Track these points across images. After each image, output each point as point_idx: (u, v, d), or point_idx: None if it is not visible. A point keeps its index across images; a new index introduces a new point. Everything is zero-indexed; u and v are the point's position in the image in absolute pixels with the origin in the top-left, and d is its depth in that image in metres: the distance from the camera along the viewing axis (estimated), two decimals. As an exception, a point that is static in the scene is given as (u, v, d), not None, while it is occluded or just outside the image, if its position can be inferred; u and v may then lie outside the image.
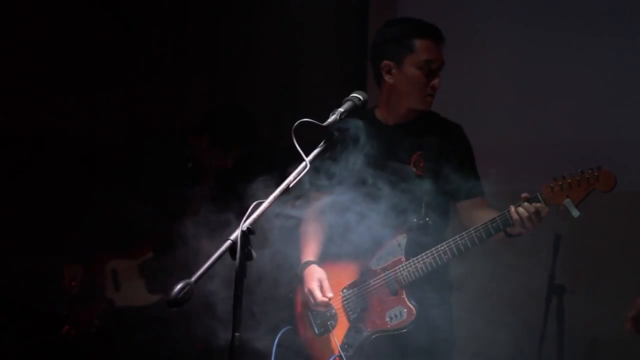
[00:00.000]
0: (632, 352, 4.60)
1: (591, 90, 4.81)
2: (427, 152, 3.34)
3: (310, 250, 3.47)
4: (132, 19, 5.82)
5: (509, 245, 4.64)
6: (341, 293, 3.36)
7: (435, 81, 3.32)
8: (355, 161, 3.28)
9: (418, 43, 3.32)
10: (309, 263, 3.42)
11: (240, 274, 2.38)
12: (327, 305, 3.33)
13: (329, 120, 2.86)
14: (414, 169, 3.34)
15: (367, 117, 3.39)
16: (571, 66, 4.85)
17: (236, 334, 2.38)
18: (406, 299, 3.22)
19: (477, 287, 4.63)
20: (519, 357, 4.72)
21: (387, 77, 3.34)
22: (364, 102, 3.02)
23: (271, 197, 2.56)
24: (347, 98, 3.00)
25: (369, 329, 3.27)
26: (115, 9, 5.75)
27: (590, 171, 3.01)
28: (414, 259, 3.22)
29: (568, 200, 3.00)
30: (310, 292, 3.33)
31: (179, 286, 2.32)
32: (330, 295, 3.31)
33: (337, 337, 3.31)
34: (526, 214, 3.03)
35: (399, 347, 3.27)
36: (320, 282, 3.33)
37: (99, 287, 4.65)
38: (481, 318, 4.71)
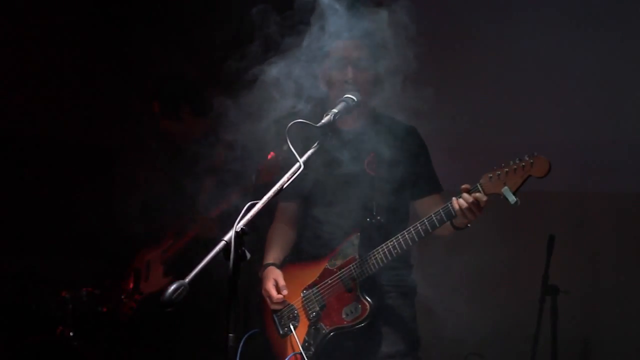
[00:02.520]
0: (625, 352, 4.62)
1: (591, 90, 4.81)
2: (379, 153, 3.38)
3: (271, 254, 3.59)
4: (128, 21, 5.83)
5: (503, 246, 4.68)
6: (301, 294, 3.45)
7: (348, 75, 3.36)
8: (313, 167, 3.32)
9: (331, 49, 3.37)
10: (267, 265, 3.53)
11: (234, 274, 2.38)
12: (283, 303, 3.43)
13: (323, 121, 2.89)
14: (368, 170, 3.40)
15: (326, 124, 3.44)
16: (571, 66, 4.84)
17: (230, 334, 2.39)
18: (360, 295, 3.29)
19: (470, 287, 4.66)
20: (512, 357, 4.73)
21: (324, 87, 3.39)
22: (358, 103, 3.06)
23: (265, 198, 2.57)
24: (340, 99, 3.04)
25: (327, 327, 3.35)
26: (112, 12, 5.77)
27: (526, 158, 2.98)
28: (365, 255, 3.29)
29: (505, 188, 2.98)
30: (267, 291, 3.44)
31: (172, 287, 2.33)
32: (285, 292, 3.41)
33: (299, 336, 3.39)
34: (465, 204, 3.05)
35: (358, 343, 3.33)
36: (275, 282, 3.43)
37: (136, 279, 4.74)
38: (475, 319, 4.73)
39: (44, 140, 5.55)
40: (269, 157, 3.75)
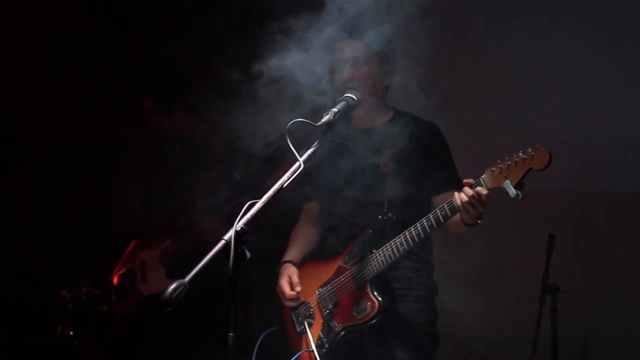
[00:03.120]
0: (625, 351, 4.62)
1: (591, 90, 4.81)
2: (394, 151, 3.38)
3: (290, 252, 3.63)
4: (129, 21, 5.83)
5: (502, 245, 4.68)
6: (317, 291, 3.46)
7: (344, 75, 3.38)
8: (331, 166, 3.42)
9: (335, 50, 3.41)
10: (284, 262, 3.57)
11: (234, 274, 2.38)
12: (296, 299, 3.45)
13: (323, 120, 2.89)
14: (383, 167, 3.40)
15: (344, 123, 3.48)
16: (572, 66, 4.85)
17: (230, 333, 2.38)
18: (370, 293, 3.28)
19: (471, 287, 4.65)
20: (513, 356, 4.73)
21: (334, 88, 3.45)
22: (358, 102, 3.06)
23: (265, 197, 2.57)
24: (340, 98, 3.05)
25: (339, 325, 3.35)
26: (111, 11, 5.76)
27: (528, 151, 2.93)
28: (375, 252, 3.28)
29: (507, 181, 2.93)
30: (280, 288, 3.48)
31: (172, 286, 2.33)
32: (298, 289, 3.43)
33: (314, 334, 3.41)
34: (466, 198, 3.01)
35: (370, 342, 3.33)
36: (289, 278, 3.46)
37: (132, 279, 4.71)
38: (475, 318, 4.72)
39: (43, 139, 5.55)
40: (284, 162, 3.75)
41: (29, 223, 5.34)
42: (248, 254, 2.43)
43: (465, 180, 3.04)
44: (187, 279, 2.36)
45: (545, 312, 4.39)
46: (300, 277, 3.48)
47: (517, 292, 4.77)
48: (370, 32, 3.39)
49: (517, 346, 4.65)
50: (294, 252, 3.62)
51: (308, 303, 3.47)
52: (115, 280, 4.72)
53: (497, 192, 2.97)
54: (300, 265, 3.57)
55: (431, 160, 3.37)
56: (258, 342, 3.19)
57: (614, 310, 4.68)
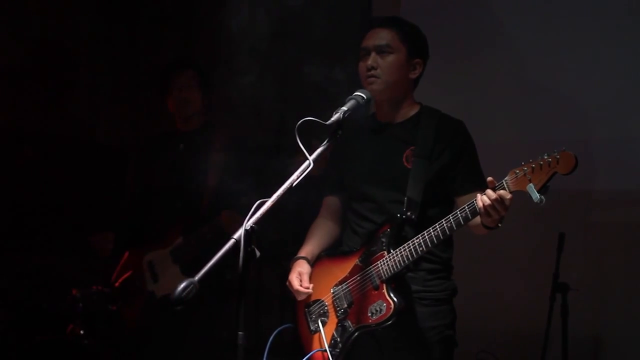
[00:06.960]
0: (635, 350, 4.61)
1: (592, 89, 4.80)
2: (417, 148, 3.31)
3: (305, 248, 3.53)
4: (135, 20, 5.85)
5: (513, 244, 4.67)
6: (331, 290, 3.38)
7: (368, 62, 3.33)
8: (352, 160, 3.39)
9: (364, 38, 3.39)
10: (297, 258, 3.48)
11: (244, 272, 2.39)
12: (303, 294, 3.37)
13: (333, 118, 2.88)
14: (405, 164, 3.33)
15: (368, 118, 3.47)
16: (573, 66, 4.84)
17: (240, 332, 2.39)
18: (386, 293, 3.18)
19: (481, 285, 4.65)
20: (523, 354, 4.73)
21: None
22: (367, 101, 3.04)
23: (274, 196, 2.57)
24: (350, 97, 3.03)
25: (354, 325, 3.26)
26: (118, 10, 5.78)
27: (554, 154, 2.85)
28: (393, 252, 3.20)
29: (530, 185, 2.84)
30: (289, 282, 3.39)
31: (182, 285, 2.34)
32: (306, 285, 3.35)
33: (328, 333, 3.32)
34: (488, 201, 2.92)
35: (384, 344, 3.27)
36: (300, 275, 3.38)
37: (139, 281, 4.63)
38: (486, 316, 4.72)
39: (54, 139, 5.57)
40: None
41: (40, 222, 5.36)
42: (258, 253, 2.43)
43: (488, 179, 2.95)
44: (196, 277, 2.36)
45: (556, 311, 4.37)
46: (315, 274, 3.41)
47: (527, 291, 4.77)
48: (402, 22, 3.38)
49: (528, 344, 4.65)
50: (309, 248, 3.50)
51: (322, 301, 3.38)
52: (117, 284, 4.67)
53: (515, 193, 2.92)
54: (315, 261, 3.47)
55: (456, 159, 3.29)
56: (270, 339, 3.15)
57: (625, 309, 4.67)
